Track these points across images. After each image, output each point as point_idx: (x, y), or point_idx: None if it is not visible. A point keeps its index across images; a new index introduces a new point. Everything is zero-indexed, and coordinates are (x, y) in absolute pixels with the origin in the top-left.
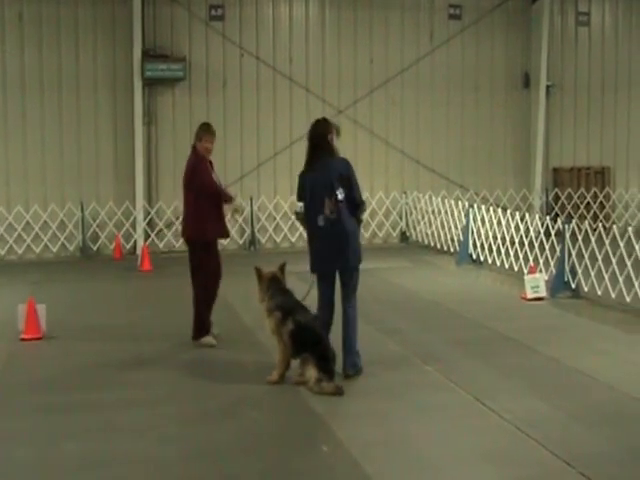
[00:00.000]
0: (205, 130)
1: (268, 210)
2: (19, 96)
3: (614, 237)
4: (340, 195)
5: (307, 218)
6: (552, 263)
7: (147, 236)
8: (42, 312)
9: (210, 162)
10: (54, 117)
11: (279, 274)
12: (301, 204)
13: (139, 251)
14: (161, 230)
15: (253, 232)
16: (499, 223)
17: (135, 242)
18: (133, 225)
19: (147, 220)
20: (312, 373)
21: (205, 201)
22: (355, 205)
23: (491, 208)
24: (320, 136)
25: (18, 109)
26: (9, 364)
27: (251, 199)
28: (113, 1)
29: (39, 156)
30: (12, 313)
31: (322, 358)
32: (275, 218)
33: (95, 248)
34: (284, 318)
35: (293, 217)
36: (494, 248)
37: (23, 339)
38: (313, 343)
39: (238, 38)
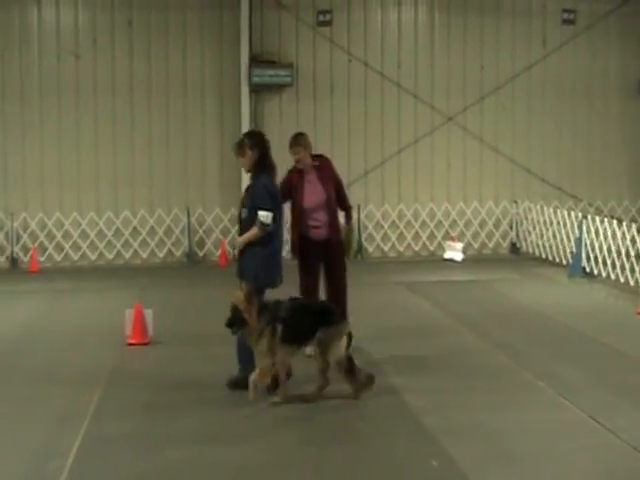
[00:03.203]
0: (289, 145)
1: (376, 218)
2: (127, 101)
3: None
4: None
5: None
6: None
7: None
8: (149, 317)
9: (316, 166)
10: (161, 123)
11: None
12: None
13: None
14: None
15: (360, 241)
16: (614, 235)
17: None
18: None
19: None
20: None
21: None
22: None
23: (606, 219)
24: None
25: (126, 114)
26: (116, 369)
27: (358, 207)
28: (221, 7)
29: (146, 161)
30: (120, 318)
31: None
32: (383, 227)
33: (201, 254)
34: (273, 324)
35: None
36: (609, 261)
37: (130, 344)
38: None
39: (346, 43)
